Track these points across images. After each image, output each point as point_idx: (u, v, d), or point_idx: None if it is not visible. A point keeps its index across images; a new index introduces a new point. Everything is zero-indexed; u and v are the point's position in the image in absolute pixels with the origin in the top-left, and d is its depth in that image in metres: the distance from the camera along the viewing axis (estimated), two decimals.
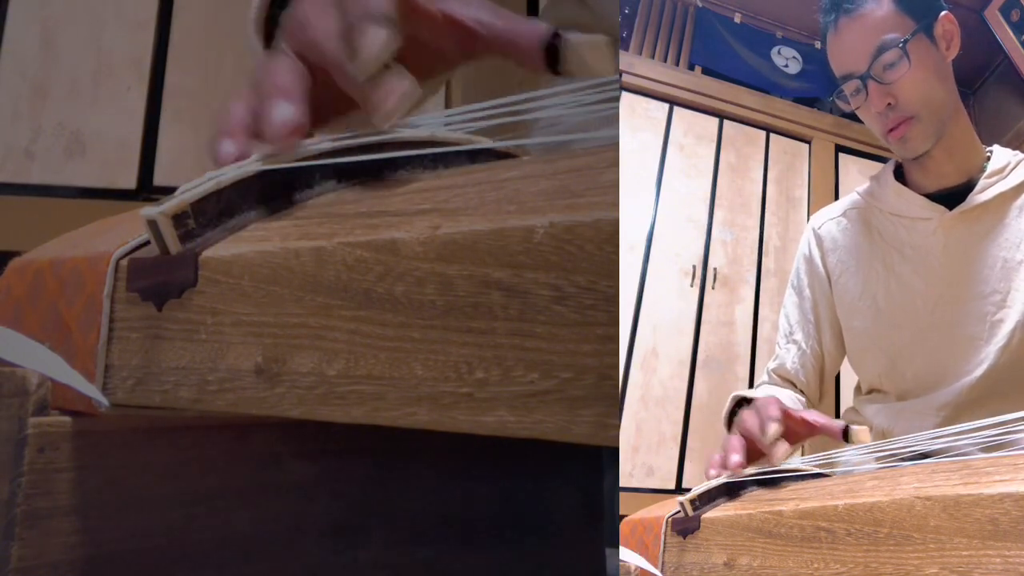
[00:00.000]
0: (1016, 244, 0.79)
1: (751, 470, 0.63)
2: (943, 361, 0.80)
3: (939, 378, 0.80)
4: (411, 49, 0.46)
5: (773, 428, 0.64)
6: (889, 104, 0.78)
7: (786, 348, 0.90)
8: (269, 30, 0.53)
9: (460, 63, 0.52)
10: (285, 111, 0.43)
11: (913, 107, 0.78)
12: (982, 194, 0.80)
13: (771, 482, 0.62)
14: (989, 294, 0.79)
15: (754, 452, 0.66)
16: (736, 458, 0.64)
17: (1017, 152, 0.83)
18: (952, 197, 0.82)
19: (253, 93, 0.46)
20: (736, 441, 0.67)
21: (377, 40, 0.43)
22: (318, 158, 0.43)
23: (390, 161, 0.45)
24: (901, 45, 0.77)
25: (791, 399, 0.84)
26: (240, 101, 0.46)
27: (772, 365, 0.91)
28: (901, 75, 0.77)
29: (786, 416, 0.68)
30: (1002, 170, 0.81)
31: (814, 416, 0.69)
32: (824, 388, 0.92)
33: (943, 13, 0.79)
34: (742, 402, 0.78)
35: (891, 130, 0.80)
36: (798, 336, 0.90)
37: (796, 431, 0.69)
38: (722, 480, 0.63)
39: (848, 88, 0.81)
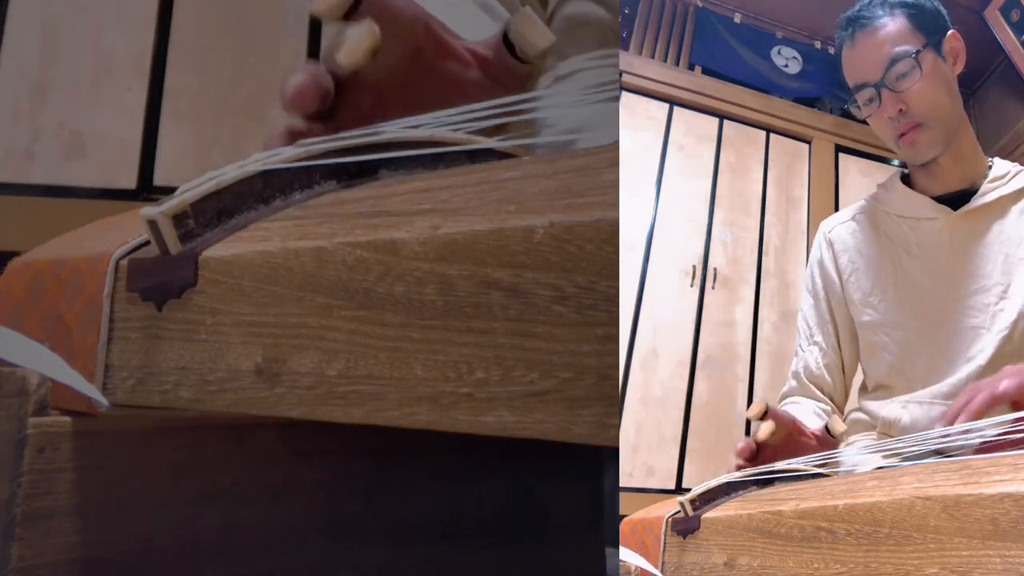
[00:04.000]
0: (1017, 241, 0.83)
1: (745, 472, 0.65)
2: (949, 351, 0.84)
3: (945, 368, 0.84)
4: (440, 84, 0.52)
5: (764, 427, 0.71)
6: (901, 111, 0.83)
7: (808, 350, 0.93)
8: None
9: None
10: (292, 78, 0.47)
11: (922, 115, 0.83)
12: (985, 196, 0.85)
13: (775, 481, 0.62)
14: (992, 286, 0.83)
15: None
16: (741, 444, 0.71)
17: (1016, 164, 0.89)
18: (956, 200, 0.87)
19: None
20: (746, 440, 0.72)
21: None
22: (318, 158, 0.43)
23: (390, 161, 0.45)
24: (914, 56, 0.83)
25: (810, 413, 0.87)
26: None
27: (797, 367, 0.94)
28: (912, 84, 0.83)
29: (797, 430, 0.74)
30: (1003, 176, 0.86)
31: (810, 428, 0.77)
32: (847, 388, 0.95)
33: (950, 31, 0.86)
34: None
35: (902, 135, 0.85)
36: (819, 338, 0.94)
37: (807, 445, 0.75)
38: (722, 480, 0.63)
39: (862, 97, 0.86)
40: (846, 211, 0.97)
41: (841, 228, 0.94)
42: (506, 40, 0.51)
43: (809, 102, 2.33)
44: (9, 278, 0.47)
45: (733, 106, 2.25)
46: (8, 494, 0.39)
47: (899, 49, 0.83)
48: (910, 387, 0.86)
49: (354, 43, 0.46)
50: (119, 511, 0.41)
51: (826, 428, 0.78)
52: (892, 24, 0.84)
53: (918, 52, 0.82)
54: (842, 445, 0.80)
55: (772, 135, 2.27)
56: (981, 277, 0.83)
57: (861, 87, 0.85)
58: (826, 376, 0.92)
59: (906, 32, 0.84)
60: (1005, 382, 0.64)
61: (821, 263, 0.94)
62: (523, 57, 0.51)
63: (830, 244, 0.94)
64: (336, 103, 0.50)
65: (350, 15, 0.47)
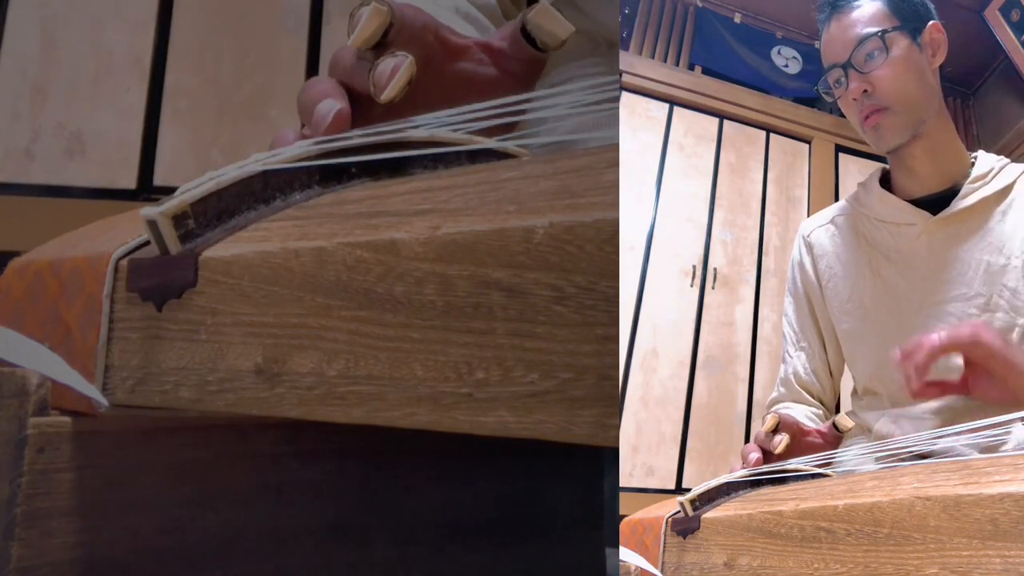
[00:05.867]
0: (999, 248, 0.80)
1: (745, 472, 0.65)
2: None
3: None
4: (455, 82, 0.52)
5: (777, 439, 0.72)
6: (865, 91, 0.80)
7: (796, 355, 0.91)
8: None
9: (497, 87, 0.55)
10: (329, 104, 0.47)
11: (887, 98, 0.80)
12: (965, 199, 0.81)
13: (775, 482, 0.62)
14: (972, 296, 0.79)
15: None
16: (755, 455, 0.70)
17: (1001, 158, 0.84)
18: (937, 203, 0.83)
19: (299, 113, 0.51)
20: (751, 445, 0.73)
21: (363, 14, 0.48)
22: (318, 158, 0.43)
23: (390, 161, 0.45)
24: (880, 35, 0.79)
25: (803, 418, 0.87)
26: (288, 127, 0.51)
27: (786, 372, 0.92)
28: (879, 65, 0.80)
29: (800, 431, 0.74)
30: (985, 175, 0.82)
31: (815, 428, 0.77)
32: (836, 391, 0.93)
33: (932, 22, 0.82)
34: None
35: (866, 118, 0.81)
36: (804, 342, 0.92)
37: (813, 444, 0.75)
38: (722, 480, 0.63)
39: (831, 77, 0.83)
40: (825, 213, 0.94)
41: (820, 232, 0.92)
42: (524, 33, 0.52)
43: (809, 102, 2.33)
44: (9, 278, 0.47)
45: (733, 106, 2.25)
46: (8, 494, 0.39)
47: (868, 29, 0.80)
48: (893, 394, 0.84)
49: (397, 81, 0.48)
50: (119, 511, 0.41)
51: (834, 425, 0.77)
52: (868, 7, 0.81)
53: (885, 32, 0.79)
54: (842, 446, 0.80)
55: (772, 135, 2.27)
56: (961, 285, 0.80)
57: (831, 68, 0.83)
58: (815, 381, 0.90)
59: (880, 15, 0.81)
60: (947, 334, 0.64)
61: (801, 266, 0.92)
62: (543, 48, 0.52)
63: (809, 248, 0.92)
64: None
65: (382, 42, 0.49)
